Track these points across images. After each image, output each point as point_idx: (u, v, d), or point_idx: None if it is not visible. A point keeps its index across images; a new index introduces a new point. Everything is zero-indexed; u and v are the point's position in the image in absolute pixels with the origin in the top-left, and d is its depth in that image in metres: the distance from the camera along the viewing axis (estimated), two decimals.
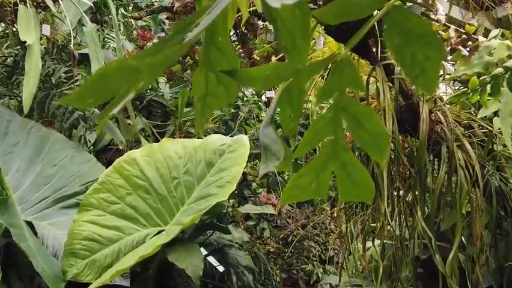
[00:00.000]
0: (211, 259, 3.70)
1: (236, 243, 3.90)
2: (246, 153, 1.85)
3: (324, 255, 5.99)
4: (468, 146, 1.58)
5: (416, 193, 1.71)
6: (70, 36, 2.57)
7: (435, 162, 1.81)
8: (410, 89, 1.60)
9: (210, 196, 1.80)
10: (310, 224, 5.99)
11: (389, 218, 1.53)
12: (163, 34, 3.50)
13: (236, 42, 3.15)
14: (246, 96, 4.06)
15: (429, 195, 1.70)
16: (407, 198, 1.77)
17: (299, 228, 5.95)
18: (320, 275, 5.78)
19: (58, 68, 2.30)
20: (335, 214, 1.83)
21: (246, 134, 4.28)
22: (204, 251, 3.65)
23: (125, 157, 1.96)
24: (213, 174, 1.87)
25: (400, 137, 1.63)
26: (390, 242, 1.93)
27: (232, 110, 3.99)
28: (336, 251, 5.98)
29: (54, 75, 2.28)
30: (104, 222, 1.90)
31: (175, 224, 1.84)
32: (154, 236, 1.87)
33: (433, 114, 1.64)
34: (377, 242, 2.12)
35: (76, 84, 2.29)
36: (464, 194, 1.58)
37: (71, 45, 2.18)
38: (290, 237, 5.86)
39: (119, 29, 3.51)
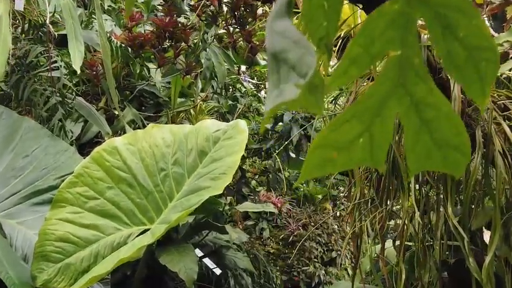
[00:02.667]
0: (207, 261, 3.46)
1: (234, 244, 3.65)
2: (244, 140, 1.60)
3: (326, 256, 5.75)
4: (507, 130, 1.33)
5: (441, 187, 1.46)
6: (51, 16, 2.32)
7: None
8: (438, 62, 1.35)
9: (202, 190, 1.55)
10: (312, 223, 5.75)
11: (417, 211, 1.28)
12: None
13: (234, 26, 2.90)
14: (245, 88, 3.81)
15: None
16: (430, 192, 1.52)
17: (300, 228, 5.71)
18: (321, 277, 5.54)
19: (34, 48, 2.05)
20: (349, 209, 1.58)
21: None
22: (199, 253, 3.41)
23: (106, 146, 1.70)
24: (206, 165, 1.61)
25: None
26: (410, 243, 1.68)
27: (230, 102, 3.75)
28: (339, 252, 5.74)
29: (29, 55, 2.03)
30: (81, 221, 1.64)
31: (162, 222, 1.59)
32: (138, 236, 1.62)
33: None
34: (389, 243, 1.87)
35: (53, 65, 2.04)
36: (503, 187, 1.33)
37: (47, 21, 1.92)
38: (291, 238, 5.62)
39: (110, 16, 3.27)
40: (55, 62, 2.06)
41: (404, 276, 1.36)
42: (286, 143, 3.38)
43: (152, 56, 3.01)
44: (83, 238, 1.64)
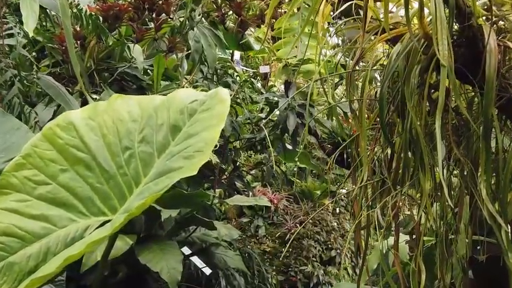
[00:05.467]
0: (195, 260, 3.17)
1: (225, 241, 3.36)
2: (225, 111, 1.31)
3: (325, 255, 5.47)
4: None
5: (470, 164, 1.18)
6: None
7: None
8: (469, 5, 1.06)
9: (173, 171, 1.26)
10: (310, 221, 5.48)
11: (446, 193, 0.99)
12: None
13: None
14: (237, 73, 3.52)
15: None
16: (455, 171, 1.23)
17: (297, 225, 5.43)
18: (320, 277, 5.25)
19: None
20: (353, 194, 1.29)
21: (237, 117, 3.75)
22: (187, 251, 3.13)
23: (59, 120, 1.41)
24: (179, 142, 1.32)
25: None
26: (425, 237, 1.39)
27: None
28: (338, 251, 5.46)
29: None
30: (29, 211, 1.36)
31: (126, 212, 1.30)
32: (97, 228, 1.33)
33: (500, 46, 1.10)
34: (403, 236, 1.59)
35: (6, 32, 1.75)
36: None
37: None
38: (288, 236, 5.34)
39: None
40: (11, 28, 1.77)
41: (424, 277, 1.08)
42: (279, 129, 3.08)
43: (135, 35, 2.72)
44: (30, 232, 1.35)
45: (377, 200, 1.23)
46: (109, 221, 1.35)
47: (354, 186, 1.32)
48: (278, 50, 3.00)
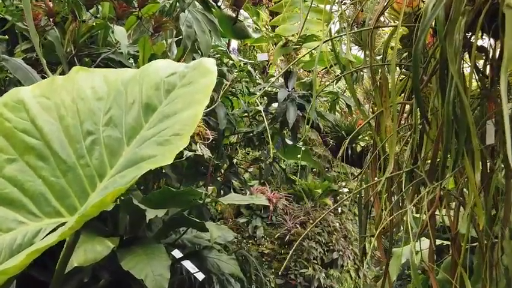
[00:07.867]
0: (187, 264, 2.90)
1: (219, 244, 3.09)
2: (210, 85, 1.04)
3: (326, 258, 5.21)
4: None
5: None
6: None
7: None
8: None
9: (145, 160, 0.99)
10: (311, 221, 5.22)
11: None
12: None
13: None
14: (233, 61, 3.25)
15: None
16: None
17: (298, 226, 5.17)
18: (321, 281, 4.99)
19: None
20: (377, 186, 1.02)
21: (233, 110, 3.48)
22: (179, 254, 2.86)
23: (7, 98, 1.14)
24: (154, 124, 1.06)
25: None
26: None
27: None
28: (340, 253, 5.19)
29: None
30: None
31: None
32: (51, 232, 1.06)
33: None
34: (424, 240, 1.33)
35: None
36: None
37: None
38: (287, 237, 5.08)
39: None
40: None
41: None
42: (278, 122, 2.81)
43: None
44: None
45: (406, 196, 0.96)
46: (65, 223, 1.08)
47: (375, 179, 1.05)
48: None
